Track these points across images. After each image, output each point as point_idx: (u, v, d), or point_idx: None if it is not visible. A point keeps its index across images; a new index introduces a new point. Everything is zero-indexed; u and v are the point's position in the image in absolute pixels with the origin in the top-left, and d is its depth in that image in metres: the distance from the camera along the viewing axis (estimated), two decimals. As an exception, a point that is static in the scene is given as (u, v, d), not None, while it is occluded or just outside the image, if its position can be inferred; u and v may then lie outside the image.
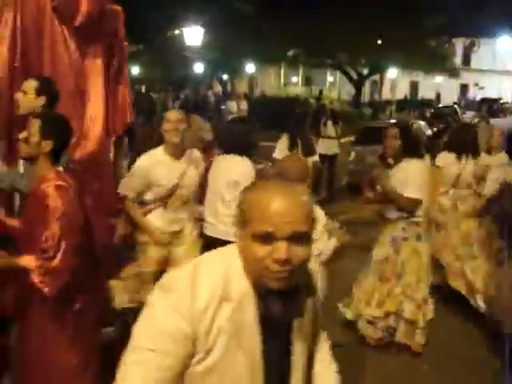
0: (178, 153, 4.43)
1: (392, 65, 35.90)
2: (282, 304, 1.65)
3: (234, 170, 4.54)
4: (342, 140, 12.93)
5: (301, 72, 47.44)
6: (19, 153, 3.31)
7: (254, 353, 1.68)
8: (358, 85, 36.11)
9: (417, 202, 4.81)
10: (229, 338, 1.64)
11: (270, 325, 1.69)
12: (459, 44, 46.27)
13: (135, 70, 29.64)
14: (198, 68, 32.45)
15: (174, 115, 4.40)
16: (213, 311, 1.62)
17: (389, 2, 27.02)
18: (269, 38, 29.09)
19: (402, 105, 32.30)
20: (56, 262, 2.96)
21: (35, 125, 3.13)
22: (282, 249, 1.58)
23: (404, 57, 31.43)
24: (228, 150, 4.68)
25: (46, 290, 2.96)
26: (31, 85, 3.79)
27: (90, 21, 4.45)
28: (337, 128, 11.77)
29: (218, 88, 36.91)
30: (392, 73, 39.21)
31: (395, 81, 45.40)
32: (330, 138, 11.54)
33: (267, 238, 1.59)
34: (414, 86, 48.58)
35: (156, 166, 4.36)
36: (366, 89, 43.38)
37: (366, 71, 36.32)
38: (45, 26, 4.33)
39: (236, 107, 18.86)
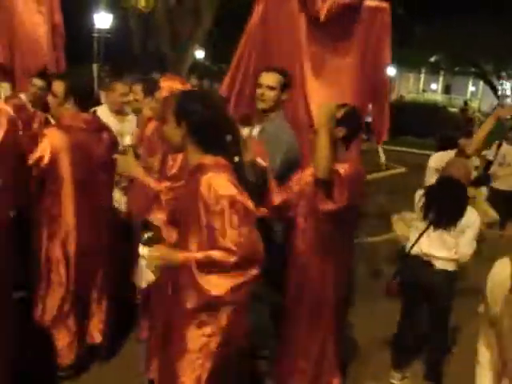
0: None
1: (542, 79, 34.08)
2: None
3: None
4: (483, 152, 12.54)
5: (441, 79, 45.99)
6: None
7: None
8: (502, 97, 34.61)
9: None
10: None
11: None
12: None
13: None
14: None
15: None
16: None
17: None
18: (413, 40, 28.58)
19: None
20: None
21: None
22: None
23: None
24: None
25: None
26: (276, 79, 3.81)
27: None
28: (480, 140, 11.48)
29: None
30: (541, 87, 37.11)
31: (543, 96, 42.87)
32: (472, 149, 11.26)
33: None
34: None
35: None
36: (510, 102, 41.34)
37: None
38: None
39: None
